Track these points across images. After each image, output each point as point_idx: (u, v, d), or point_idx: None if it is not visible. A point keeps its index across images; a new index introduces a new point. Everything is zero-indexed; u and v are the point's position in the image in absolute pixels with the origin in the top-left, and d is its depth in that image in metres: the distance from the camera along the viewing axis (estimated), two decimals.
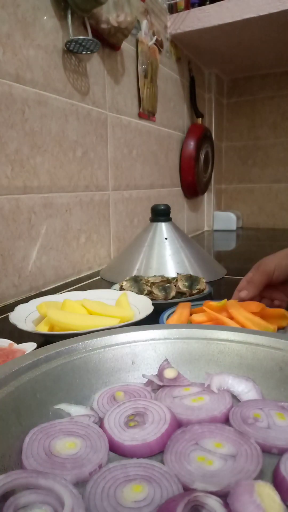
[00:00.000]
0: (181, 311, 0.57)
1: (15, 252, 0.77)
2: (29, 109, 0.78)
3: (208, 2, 1.30)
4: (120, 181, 1.12)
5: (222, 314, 0.53)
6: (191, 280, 0.70)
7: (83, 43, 0.86)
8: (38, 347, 0.45)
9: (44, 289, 0.85)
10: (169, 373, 0.39)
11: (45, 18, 0.80)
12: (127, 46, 1.10)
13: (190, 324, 0.53)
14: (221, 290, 0.82)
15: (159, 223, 0.91)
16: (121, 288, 0.70)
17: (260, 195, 1.94)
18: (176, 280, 0.71)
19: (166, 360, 0.40)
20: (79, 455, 0.29)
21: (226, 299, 0.55)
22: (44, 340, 0.52)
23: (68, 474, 0.27)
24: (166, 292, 0.67)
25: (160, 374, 0.39)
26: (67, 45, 0.85)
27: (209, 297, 0.75)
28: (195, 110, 1.60)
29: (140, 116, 1.20)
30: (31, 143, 0.79)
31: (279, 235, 1.69)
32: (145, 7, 1.19)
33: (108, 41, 0.98)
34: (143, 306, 0.59)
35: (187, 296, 0.67)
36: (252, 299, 0.58)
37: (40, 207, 0.82)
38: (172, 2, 1.34)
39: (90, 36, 0.87)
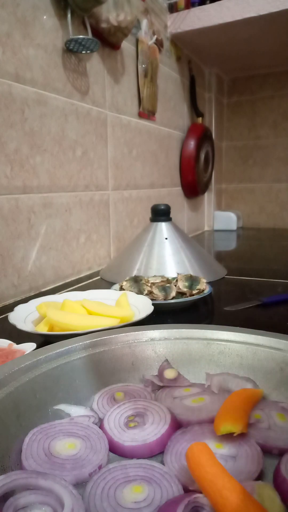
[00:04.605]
0: None
1: (15, 252, 0.77)
2: (28, 109, 0.77)
3: (208, 2, 1.30)
4: (120, 181, 1.11)
5: None
6: (191, 280, 0.70)
7: (83, 43, 0.85)
8: (37, 347, 0.45)
9: (43, 289, 0.84)
10: (169, 374, 0.39)
11: (44, 17, 0.80)
12: (127, 45, 1.10)
13: (190, 324, 0.53)
14: (222, 290, 0.82)
15: (159, 223, 0.91)
16: (121, 288, 0.70)
17: (260, 195, 1.94)
18: (176, 280, 0.70)
19: (166, 360, 0.40)
20: (79, 456, 0.29)
21: None
22: (43, 340, 0.52)
23: (68, 474, 0.27)
24: (166, 292, 0.67)
25: (160, 375, 0.39)
26: (67, 45, 0.85)
27: (209, 297, 0.75)
28: (195, 110, 1.60)
29: (140, 115, 1.20)
30: (31, 142, 0.79)
31: (280, 235, 1.69)
32: (145, 6, 1.19)
33: (108, 40, 0.97)
34: (143, 306, 0.59)
35: (187, 296, 0.67)
36: None
37: (40, 207, 0.82)
38: (172, 1, 1.34)
39: (90, 36, 0.87)
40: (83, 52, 0.88)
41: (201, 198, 1.80)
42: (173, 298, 0.67)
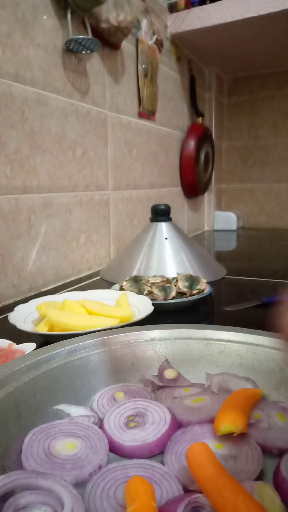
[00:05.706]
0: None
1: (15, 252, 0.77)
2: (28, 109, 0.77)
3: (208, 2, 1.30)
4: (120, 181, 1.11)
5: None
6: (191, 280, 0.70)
7: (83, 43, 0.85)
8: (37, 347, 0.45)
9: (43, 289, 0.84)
10: (169, 374, 0.39)
11: (44, 17, 0.80)
12: (127, 45, 1.10)
13: (190, 324, 0.53)
14: (221, 290, 0.82)
15: (159, 223, 0.91)
16: (121, 288, 0.70)
17: (260, 195, 1.94)
18: (176, 280, 0.70)
19: (166, 360, 0.40)
20: (79, 456, 0.29)
21: None
22: (43, 340, 0.52)
23: (68, 475, 0.27)
24: (166, 292, 0.67)
25: (160, 375, 0.39)
26: (67, 45, 0.85)
27: (209, 297, 0.75)
28: (195, 110, 1.60)
29: (140, 115, 1.20)
30: (31, 142, 0.79)
31: (280, 235, 1.69)
32: (145, 6, 1.19)
33: (108, 40, 0.97)
34: (143, 306, 0.59)
35: (187, 296, 0.67)
36: None
37: (40, 207, 0.82)
38: (172, 1, 1.34)
39: (90, 36, 0.87)
40: (83, 52, 0.88)
41: (201, 198, 1.80)
42: (173, 298, 0.66)
